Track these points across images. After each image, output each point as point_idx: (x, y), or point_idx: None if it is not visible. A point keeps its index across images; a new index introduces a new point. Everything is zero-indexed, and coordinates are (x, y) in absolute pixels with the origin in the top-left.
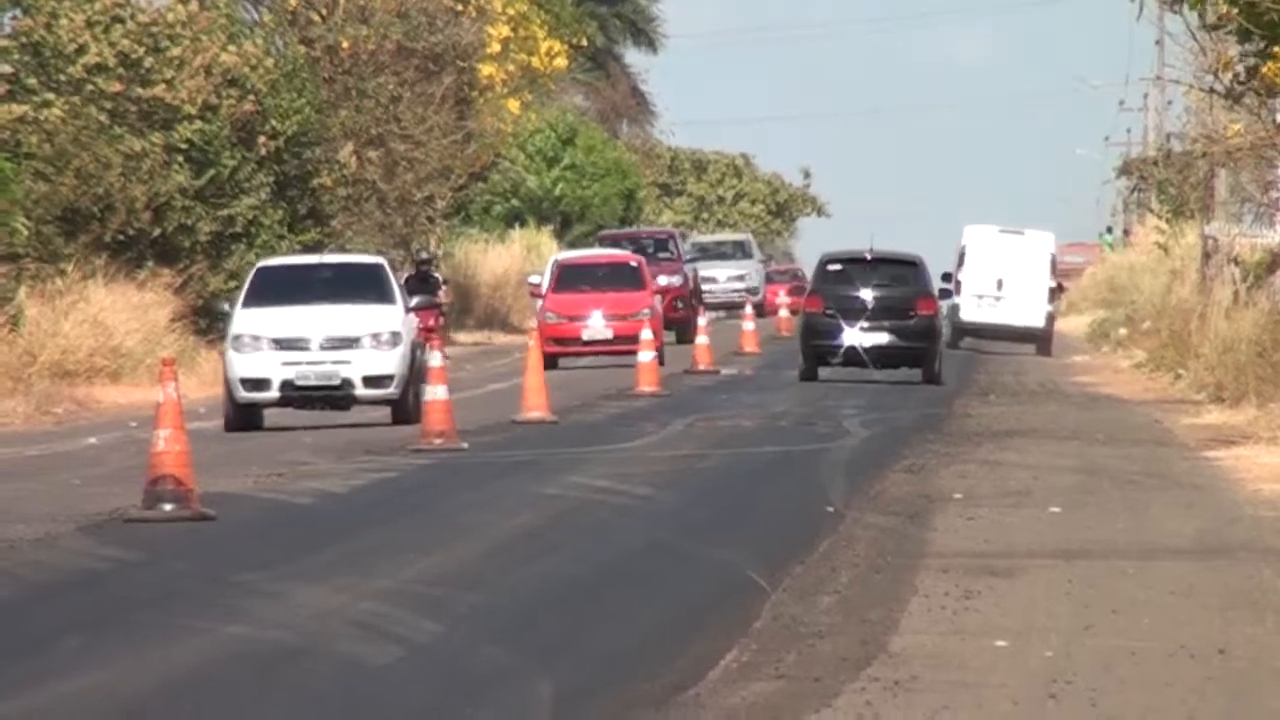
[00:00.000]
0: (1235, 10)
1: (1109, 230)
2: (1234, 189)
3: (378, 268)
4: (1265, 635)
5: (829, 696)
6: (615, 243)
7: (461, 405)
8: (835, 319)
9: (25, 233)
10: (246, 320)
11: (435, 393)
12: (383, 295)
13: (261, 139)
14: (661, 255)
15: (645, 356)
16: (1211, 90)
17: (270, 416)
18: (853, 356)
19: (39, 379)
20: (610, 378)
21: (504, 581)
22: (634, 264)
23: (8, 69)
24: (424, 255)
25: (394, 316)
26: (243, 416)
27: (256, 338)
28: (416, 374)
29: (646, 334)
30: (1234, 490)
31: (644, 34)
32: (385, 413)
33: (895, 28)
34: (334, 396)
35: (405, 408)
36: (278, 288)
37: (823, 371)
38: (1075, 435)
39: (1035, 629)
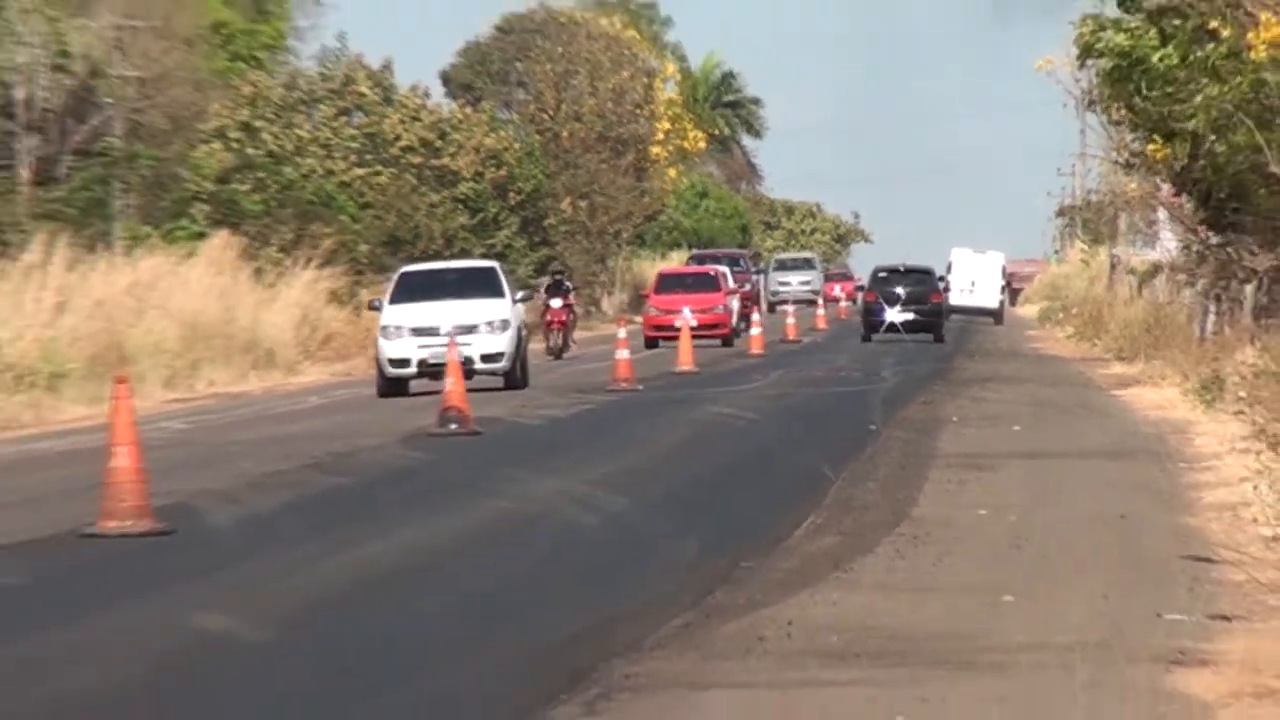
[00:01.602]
0: (1129, 113)
1: (1055, 251)
2: (1130, 225)
3: (492, 270)
4: (1148, 506)
5: (872, 545)
6: (703, 260)
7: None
8: (882, 305)
9: (364, 251)
10: (392, 314)
11: (620, 354)
12: (495, 291)
13: (511, 194)
14: (735, 269)
15: (755, 331)
16: (1115, 162)
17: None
18: (892, 328)
19: (371, 346)
20: (716, 350)
21: (667, 474)
22: (713, 273)
23: (354, 146)
24: (559, 270)
25: (504, 308)
26: (391, 387)
27: (399, 328)
28: (524, 350)
29: (754, 328)
30: (1131, 415)
31: (753, 127)
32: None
33: (913, 123)
34: (463, 370)
35: (514, 377)
36: (415, 288)
37: (874, 338)
38: (1030, 380)
39: (1005, 504)
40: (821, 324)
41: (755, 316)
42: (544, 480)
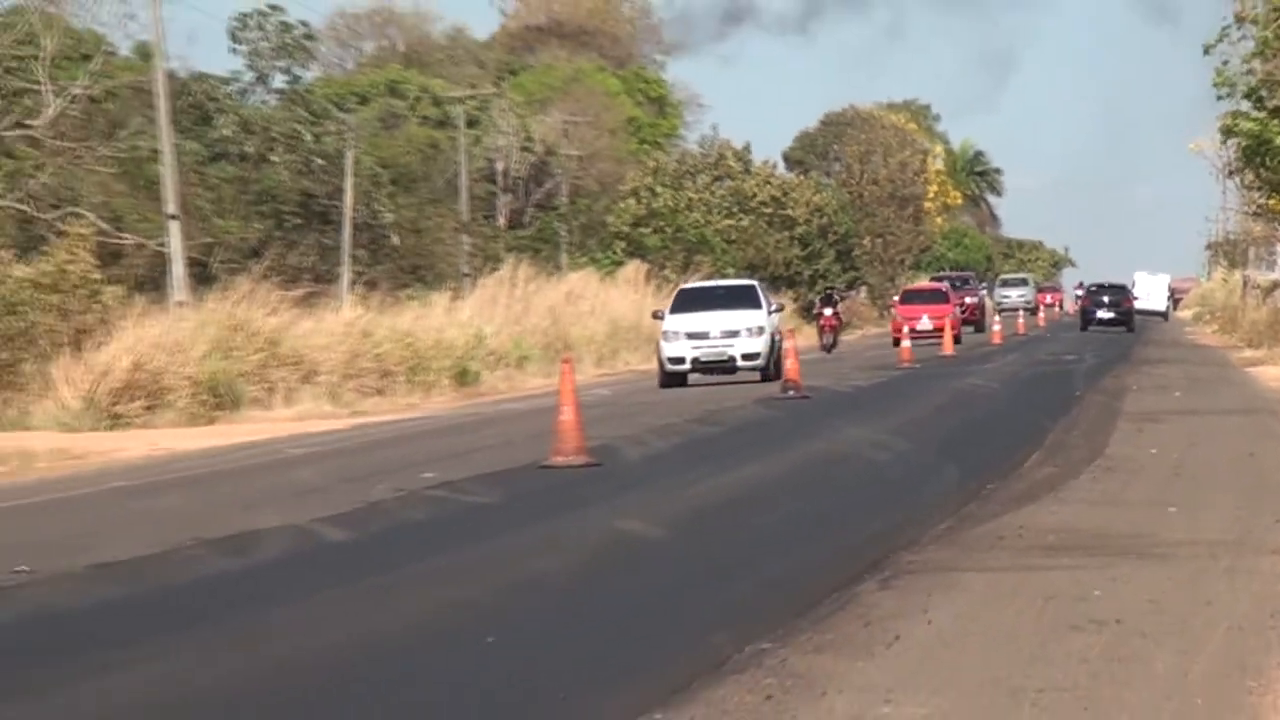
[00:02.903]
0: (1256, 178)
1: (1205, 273)
2: (1256, 255)
3: (752, 287)
4: (1269, 447)
5: (1077, 474)
6: (941, 279)
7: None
8: (1094, 307)
9: (731, 273)
10: (672, 322)
11: (904, 343)
12: (754, 303)
13: (830, 234)
14: (965, 286)
15: (996, 327)
16: (1246, 212)
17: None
18: (1100, 323)
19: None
20: (968, 337)
21: (936, 424)
22: (943, 289)
23: (724, 203)
24: (830, 288)
25: (761, 317)
26: (670, 380)
27: (677, 333)
28: (777, 350)
29: (994, 325)
30: (1257, 385)
31: (995, 188)
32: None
33: (1109, 183)
34: (724, 367)
35: (768, 373)
36: (690, 301)
37: (1089, 329)
38: (1185, 360)
39: (1170, 445)
40: (1041, 323)
41: (996, 318)
42: (851, 429)
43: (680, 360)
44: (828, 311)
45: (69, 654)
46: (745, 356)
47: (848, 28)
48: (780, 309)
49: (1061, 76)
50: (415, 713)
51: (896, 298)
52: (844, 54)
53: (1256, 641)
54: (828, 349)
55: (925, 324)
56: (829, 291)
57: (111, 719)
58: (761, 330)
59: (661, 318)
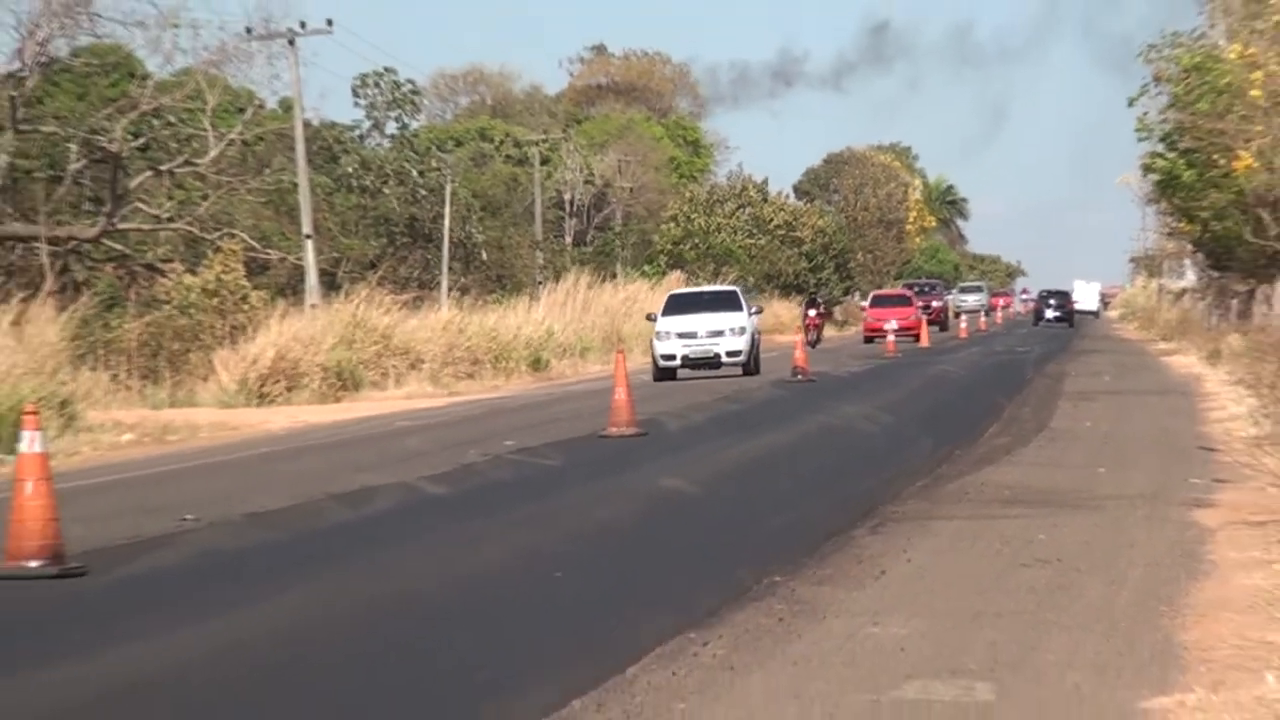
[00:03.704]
0: (1169, 206)
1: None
2: (1169, 267)
3: (734, 292)
4: (1180, 421)
5: (1028, 442)
6: (911, 287)
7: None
8: (1044, 308)
9: (752, 281)
10: (664, 323)
11: (889, 337)
12: (736, 307)
13: (831, 250)
14: (931, 292)
15: (963, 324)
16: (1162, 233)
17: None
18: (1049, 320)
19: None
20: (935, 338)
21: (915, 401)
22: (908, 294)
23: (746, 226)
24: (814, 293)
25: (743, 318)
26: (662, 375)
27: (669, 333)
28: (756, 348)
29: (961, 323)
30: (1170, 371)
31: (963, 214)
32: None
33: (1058, 210)
34: (710, 363)
35: (749, 367)
36: (680, 305)
37: (1040, 325)
38: (1113, 351)
39: (1100, 419)
40: (999, 321)
41: (963, 319)
42: (848, 406)
43: (671, 357)
44: (811, 312)
45: (230, 584)
46: (729, 354)
47: (876, 83)
48: (759, 311)
49: (1023, 122)
50: (504, 627)
51: (866, 303)
52: (864, 105)
53: (1169, 575)
54: (812, 344)
55: (892, 326)
56: (813, 296)
57: (269, 636)
58: (743, 330)
59: (654, 320)
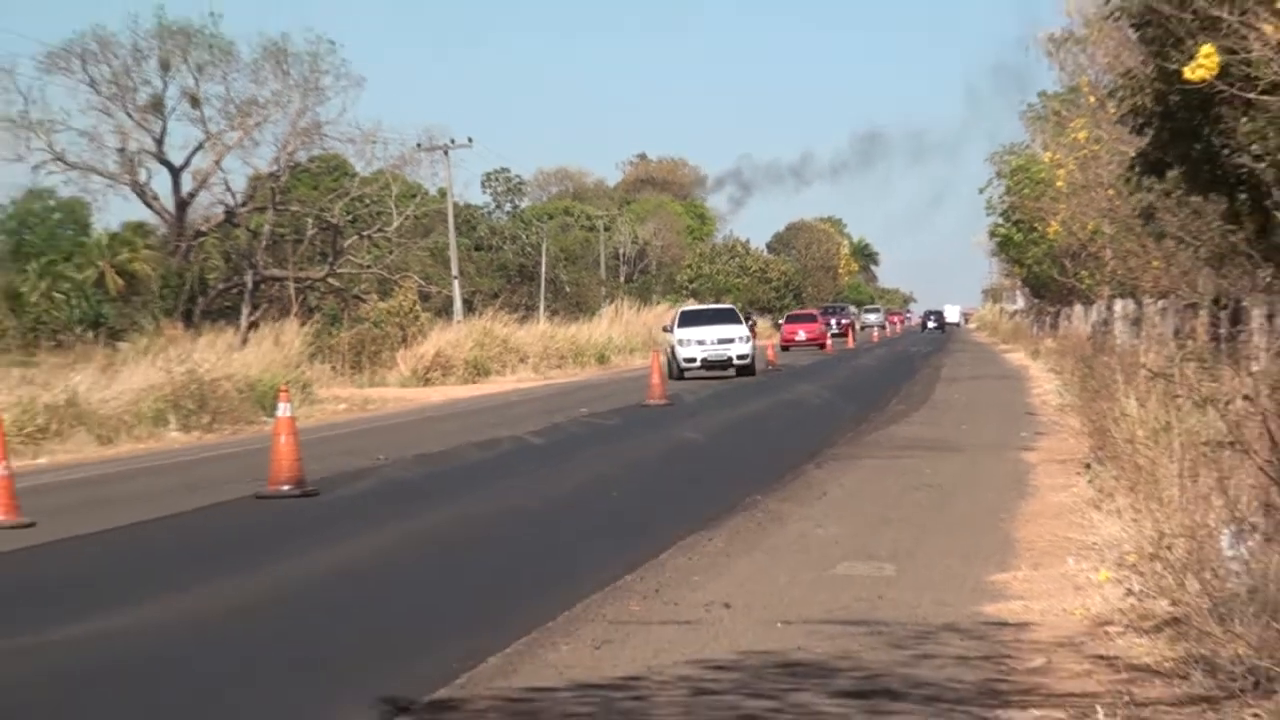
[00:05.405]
0: (1006, 257)
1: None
2: (1007, 296)
3: (733, 309)
4: (1014, 395)
5: (917, 409)
6: (826, 310)
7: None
8: (926, 321)
9: (741, 306)
10: (681, 333)
11: (827, 342)
12: (737, 320)
13: (790, 286)
14: (842, 312)
15: (876, 332)
16: (1002, 275)
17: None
18: (931, 329)
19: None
20: (835, 351)
21: (844, 383)
22: (815, 314)
23: (735, 271)
24: (749, 313)
25: (744, 329)
26: (680, 375)
27: (688, 341)
28: (758, 354)
29: (874, 332)
30: (1008, 362)
31: (875, 261)
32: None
33: (942, 258)
34: (722, 365)
35: (752, 370)
36: (691, 319)
37: (924, 333)
38: (971, 350)
39: (964, 394)
40: (900, 331)
41: (875, 332)
42: (801, 385)
43: (692, 360)
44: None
45: (408, 503)
46: (739, 358)
47: (856, 176)
48: (754, 324)
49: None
50: (582, 527)
51: (782, 320)
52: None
53: (1008, 496)
54: (784, 348)
55: (801, 336)
56: (747, 311)
57: (434, 531)
58: (748, 339)
59: (670, 330)
